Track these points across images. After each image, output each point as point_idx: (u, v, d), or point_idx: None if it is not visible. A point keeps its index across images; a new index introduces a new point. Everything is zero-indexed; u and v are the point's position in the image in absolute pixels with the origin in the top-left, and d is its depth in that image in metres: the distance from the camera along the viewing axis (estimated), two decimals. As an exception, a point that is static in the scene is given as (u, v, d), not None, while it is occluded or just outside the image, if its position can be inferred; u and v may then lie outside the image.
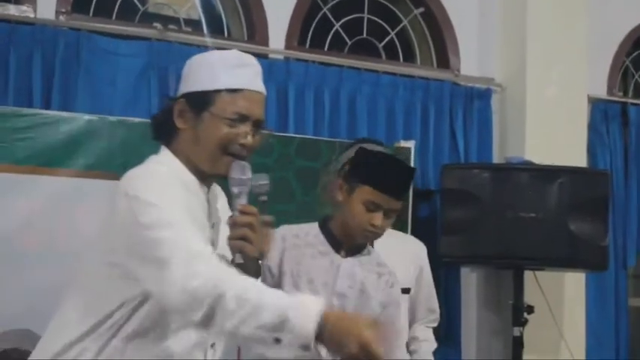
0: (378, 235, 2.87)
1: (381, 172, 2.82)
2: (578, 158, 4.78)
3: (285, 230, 2.92)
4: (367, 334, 1.91)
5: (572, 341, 4.68)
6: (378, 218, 2.79)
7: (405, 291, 3.34)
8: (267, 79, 4.23)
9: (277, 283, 2.87)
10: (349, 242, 2.90)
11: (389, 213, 2.81)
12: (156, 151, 3.51)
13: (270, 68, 4.38)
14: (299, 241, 2.91)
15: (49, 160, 3.46)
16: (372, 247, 3.00)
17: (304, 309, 1.91)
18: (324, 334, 1.90)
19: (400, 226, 3.98)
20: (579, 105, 4.95)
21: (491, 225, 4.30)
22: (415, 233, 4.12)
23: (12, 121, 3.45)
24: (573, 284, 4.81)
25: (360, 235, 2.84)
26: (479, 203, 4.32)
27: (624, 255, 5.15)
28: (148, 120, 3.64)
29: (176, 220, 2.02)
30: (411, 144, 4.35)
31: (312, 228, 2.94)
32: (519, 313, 4.33)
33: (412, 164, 4.19)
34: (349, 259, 2.90)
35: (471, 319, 4.58)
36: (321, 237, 2.91)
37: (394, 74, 4.73)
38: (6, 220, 3.36)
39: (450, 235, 4.28)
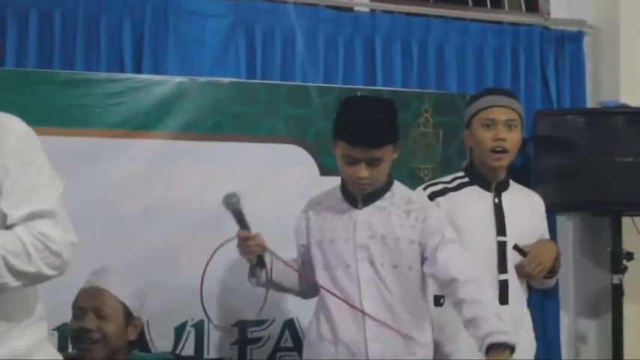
0: (374, 185, 2.88)
1: (347, 125, 2.83)
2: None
3: (310, 202, 3.06)
4: None
5: None
6: (360, 170, 2.81)
7: (517, 249, 3.24)
8: (354, 32, 4.32)
9: (308, 255, 3.01)
10: (358, 194, 2.92)
11: (372, 162, 2.81)
12: (243, 111, 3.61)
13: (355, 21, 4.36)
14: (320, 207, 3.01)
15: (143, 123, 3.53)
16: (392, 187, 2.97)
17: None
18: None
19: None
20: (676, 44, 4.80)
21: (587, 171, 4.23)
22: (509, 182, 4.06)
23: (105, 86, 3.52)
24: None
25: (355, 188, 2.90)
26: (573, 149, 4.27)
27: None
28: (237, 79, 3.76)
29: None
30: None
31: (335, 188, 3.02)
32: (618, 260, 4.25)
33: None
34: (365, 209, 2.93)
35: (568, 267, 4.50)
36: (340, 195, 2.98)
37: (482, 21, 4.63)
38: (102, 183, 3.45)
39: (545, 183, 4.23)
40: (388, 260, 2.90)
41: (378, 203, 2.94)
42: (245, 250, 2.89)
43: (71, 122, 3.45)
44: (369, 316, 2.84)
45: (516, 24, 4.71)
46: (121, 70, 3.83)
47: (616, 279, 4.27)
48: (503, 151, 3.18)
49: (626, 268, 4.27)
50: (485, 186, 3.23)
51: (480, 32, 4.60)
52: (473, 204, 3.20)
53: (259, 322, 3.58)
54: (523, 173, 4.37)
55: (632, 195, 4.19)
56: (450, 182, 3.25)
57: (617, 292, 4.29)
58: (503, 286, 3.16)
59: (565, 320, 4.58)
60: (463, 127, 3.38)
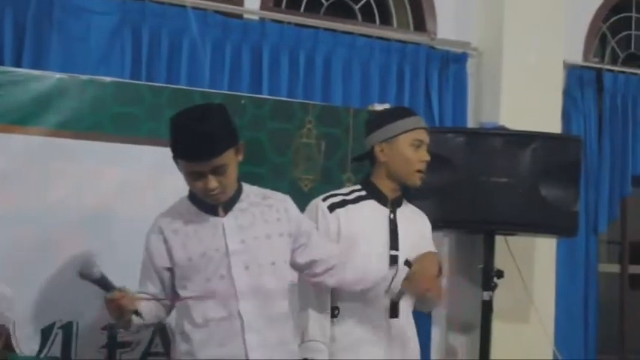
0: (227, 193, 2.82)
1: (181, 142, 2.76)
2: (552, 124, 4.81)
3: (160, 220, 2.89)
4: None
5: (541, 307, 4.74)
6: (208, 182, 2.74)
7: (407, 264, 3.22)
8: (242, 40, 4.31)
9: (172, 276, 2.86)
10: (221, 200, 2.85)
11: (217, 171, 2.74)
12: (125, 111, 3.54)
13: (244, 29, 4.37)
14: (176, 224, 2.86)
15: (19, 118, 3.42)
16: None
17: None
18: None
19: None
20: (555, 71, 4.98)
21: (464, 189, 4.31)
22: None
23: None
24: (544, 249, 4.87)
25: (211, 200, 2.81)
26: (452, 167, 4.33)
27: (595, 221, 5.20)
28: (119, 80, 3.69)
29: None
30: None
31: (183, 203, 2.91)
32: (489, 277, 4.36)
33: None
34: (229, 215, 2.86)
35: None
36: (194, 208, 2.87)
37: (370, 37, 4.72)
38: (-25, 177, 3.34)
39: (423, 199, 4.23)
40: (265, 259, 2.87)
41: (239, 206, 2.89)
42: (118, 311, 2.74)
43: None
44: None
45: (403, 42, 4.81)
46: (0, 63, 3.74)
47: (486, 295, 4.36)
48: (423, 171, 3.24)
49: (496, 285, 4.36)
50: (382, 201, 3.25)
51: (367, 47, 4.68)
52: (370, 217, 3.21)
53: None
54: (403, 188, 4.43)
55: (505, 215, 4.28)
56: (348, 194, 3.25)
57: (487, 308, 4.37)
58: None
59: (436, 335, 4.66)
60: (348, 140, 3.41)
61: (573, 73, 5.20)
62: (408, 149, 3.22)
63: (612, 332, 5.59)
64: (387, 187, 3.26)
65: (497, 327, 4.45)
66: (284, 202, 2.98)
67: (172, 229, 2.86)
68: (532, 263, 4.84)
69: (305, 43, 4.50)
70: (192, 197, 2.88)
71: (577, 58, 5.29)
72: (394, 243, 3.21)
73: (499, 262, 4.45)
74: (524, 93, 4.80)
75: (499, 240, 4.49)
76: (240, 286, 2.82)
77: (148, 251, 2.90)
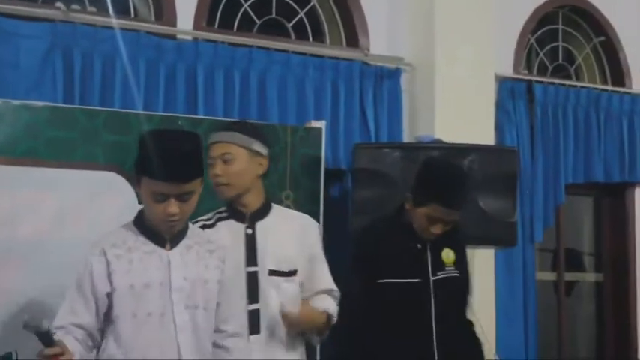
0: (182, 222, 2.76)
1: (155, 159, 2.67)
2: (486, 136, 4.88)
3: (103, 243, 2.76)
4: None
5: (482, 315, 4.73)
6: (169, 206, 2.67)
7: (291, 273, 3.23)
8: (176, 60, 4.29)
9: (109, 302, 2.72)
10: (167, 233, 2.76)
11: (183, 197, 2.68)
12: (59, 136, 3.48)
13: (178, 49, 4.35)
14: (119, 249, 2.74)
15: (-48, 146, 3.36)
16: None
17: None
18: None
19: (312, 206, 4.01)
20: (487, 83, 5.06)
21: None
22: (327, 213, 4.14)
23: None
24: (483, 260, 4.89)
25: (164, 227, 2.74)
26: (390, 182, 4.34)
27: (531, 230, 5.28)
28: (53, 104, 3.64)
29: None
30: (321, 124, 4.34)
31: (128, 228, 2.80)
32: None
33: (323, 144, 4.22)
34: (175, 249, 2.78)
35: None
36: (141, 237, 2.77)
37: (304, 54, 4.73)
38: None
39: (362, 215, 4.29)
40: (201, 302, 2.79)
41: (185, 242, 2.81)
42: None
43: None
44: None
45: (337, 58, 4.83)
46: None
47: None
48: (223, 184, 3.14)
49: None
50: (240, 218, 3.18)
51: (301, 65, 4.69)
52: (225, 238, 3.10)
53: None
54: (341, 204, 4.44)
55: None
56: (209, 219, 3.19)
57: None
58: (254, 316, 3.12)
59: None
60: (287, 158, 3.38)
61: (505, 85, 5.26)
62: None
63: (551, 338, 5.67)
64: (239, 203, 3.18)
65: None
66: (224, 249, 2.91)
67: (115, 253, 2.73)
68: (472, 273, 4.80)
69: (239, 62, 4.49)
70: (139, 224, 2.79)
71: (508, 70, 5.37)
72: (252, 259, 3.14)
73: None
74: (458, 106, 4.85)
75: None
76: (180, 325, 2.74)
77: (86, 274, 2.73)
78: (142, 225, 2.78)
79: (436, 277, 3.43)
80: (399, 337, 3.36)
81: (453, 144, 4.47)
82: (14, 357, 3.33)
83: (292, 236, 3.23)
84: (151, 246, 2.75)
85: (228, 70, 4.46)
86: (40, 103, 3.58)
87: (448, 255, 3.52)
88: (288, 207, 3.76)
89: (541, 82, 5.44)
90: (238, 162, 3.11)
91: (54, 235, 3.43)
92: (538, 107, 5.36)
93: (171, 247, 2.77)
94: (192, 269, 2.78)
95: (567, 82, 5.57)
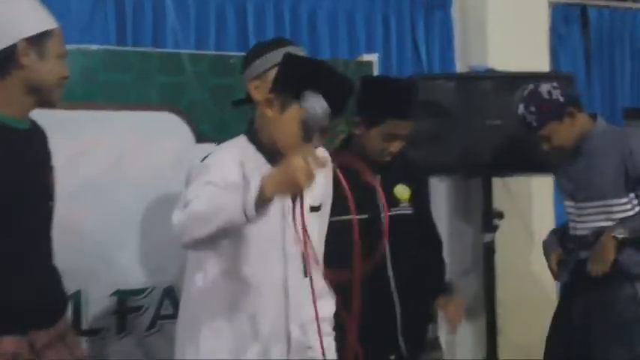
0: None
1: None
2: (540, 63, 4.81)
3: (237, 153, 2.67)
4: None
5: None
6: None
7: (314, 209, 3.03)
8: None
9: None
10: (280, 158, 2.55)
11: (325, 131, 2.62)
12: (114, 79, 3.51)
13: None
14: (251, 163, 2.66)
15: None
16: None
17: None
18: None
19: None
20: (540, 9, 4.97)
21: (458, 134, 4.33)
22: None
23: None
24: (541, 188, 4.88)
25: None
26: (444, 113, 4.34)
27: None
28: (106, 47, 3.67)
29: None
30: (373, 57, 4.32)
31: (247, 147, 2.71)
32: (489, 219, 4.40)
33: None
34: None
35: (442, 228, 4.51)
36: (260, 155, 2.69)
37: None
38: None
39: (418, 146, 4.28)
40: (316, 231, 2.77)
41: None
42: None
43: None
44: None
45: None
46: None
47: (487, 237, 4.42)
48: None
49: (497, 226, 4.42)
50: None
51: None
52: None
53: (138, 291, 3.54)
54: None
55: (500, 157, 4.31)
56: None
57: (489, 249, 4.44)
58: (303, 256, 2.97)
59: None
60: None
61: (558, 10, 5.18)
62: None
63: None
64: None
65: (499, 267, 4.52)
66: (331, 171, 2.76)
67: (250, 166, 2.62)
68: (530, 203, 4.88)
69: None
70: (257, 144, 2.69)
71: (560, -5, 5.30)
72: None
73: (498, 204, 4.49)
74: (511, 34, 4.78)
75: (497, 182, 4.54)
76: (290, 254, 2.69)
77: (220, 169, 2.58)
78: (261, 145, 2.68)
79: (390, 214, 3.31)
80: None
81: (507, 72, 4.44)
82: (82, 296, 3.43)
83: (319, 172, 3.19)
84: (263, 161, 2.65)
85: (277, 6, 4.45)
86: (94, 47, 3.60)
87: (402, 192, 3.47)
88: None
89: (595, 5, 5.34)
90: None
91: (113, 177, 3.47)
92: (593, 32, 5.29)
93: None
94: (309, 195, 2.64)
95: (622, 5, 5.47)
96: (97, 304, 3.44)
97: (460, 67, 4.89)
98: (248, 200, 2.32)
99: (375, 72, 4.23)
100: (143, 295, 3.56)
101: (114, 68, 3.57)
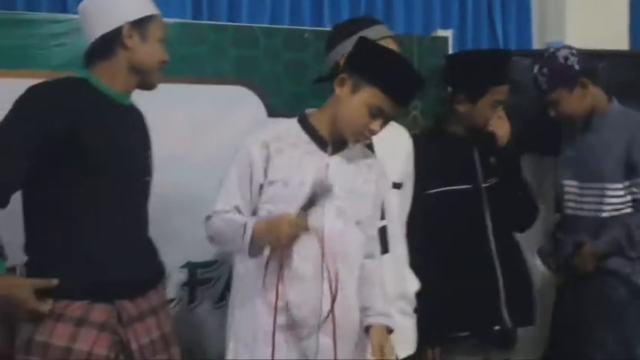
0: (368, 140, 2.83)
1: (395, 78, 2.69)
2: (619, 41, 4.75)
3: (266, 135, 2.80)
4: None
5: None
6: (378, 124, 2.70)
7: (396, 186, 3.21)
8: None
9: (260, 195, 2.79)
10: (336, 140, 2.78)
11: (389, 119, 2.74)
12: (190, 52, 3.57)
13: None
14: (282, 144, 2.78)
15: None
16: None
17: None
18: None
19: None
20: (619, -15, 4.91)
21: (534, 111, 4.23)
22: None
23: (48, 27, 3.47)
24: None
25: (353, 136, 2.75)
26: (520, 89, 4.27)
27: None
28: (183, 20, 3.74)
29: None
30: (448, 33, 4.30)
31: (293, 126, 2.83)
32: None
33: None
34: (336, 156, 2.79)
35: None
36: (305, 135, 2.80)
37: None
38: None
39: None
40: (353, 215, 2.80)
41: (347, 153, 2.82)
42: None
43: (13, 64, 3.39)
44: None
45: None
46: (64, 10, 3.82)
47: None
48: None
49: None
50: None
51: None
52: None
53: (208, 264, 3.62)
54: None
55: None
56: None
57: None
58: (383, 233, 3.07)
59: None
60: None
61: (639, -13, 5.14)
62: None
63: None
64: None
65: None
66: (381, 165, 2.92)
67: (277, 147, 2.77)
68: None
69: None
70: (305, 124, 2.82)
71: (642, -30, 5.22)
72: None
73: None
74: (589, 10, 4.78)
75: None
76: (327, 231, 2.74)
77: (248, 162, 2.80)
78: (308, 125, 2.81)
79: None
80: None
81: (583, 50, 4.37)
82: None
83: (401, 150, 3.25)
84: (313, 146, 2.79)
85: None
86: (171, 20, 3.65)
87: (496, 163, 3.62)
88: (415, 117, 3.79)
89: (679, -18, 5.26)
90: None
91: (187, 149, 3.54)
92: (676, 9, 5.21)
93: (333, 154, 2.79)
94: (349, 180, 2.79)
95: None
96: (169, 275, 3.50)
97: (537, 44, 4.87)
98: (243, 246, 2.72)
99: (450, 48, 4.24)
100: (213, 267, 3.65)
101: (189, 41, 3.63)
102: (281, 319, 2.72)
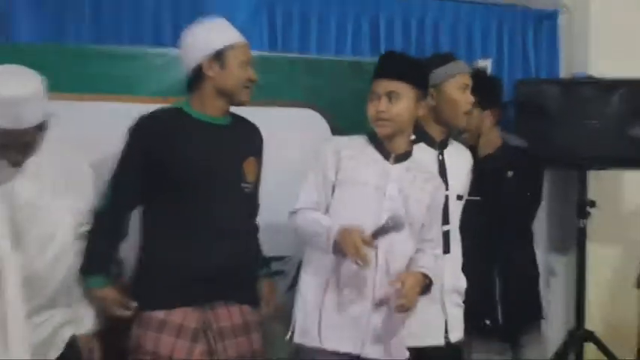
0: (392, 126, 2.99)
1: (379, 62, 3.05)
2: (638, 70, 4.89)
3: (339, 143, 3.10)
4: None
5: (631, 231, 5.03)
6: (379, 105, 2.97)
7: (459, 198, 3.42)
8: (361, 12, 4.76)
9: (331, 189, 3.06)
10: (395, 151, 3.04)
11: (390, 95, 2.97)
12: (268, 79, 3.76)
13: (362, 3, 4.76)
14: (352, 152, 3.05)
15: (178, 91, 3.54)
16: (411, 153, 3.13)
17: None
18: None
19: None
20: (638, 27, 5.07)
21: (559, 132, 4.64)
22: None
23: (148, 59, 3.85)
24: (632, 182, 5.13)
25: (378, 128, 3.02)
26: (548, 113, 4.68)
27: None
28: (262, 53, 4.00)
29: None
30: (487, 62, 4.70)
31: (361, 139, 3.11)
32: (583, 207, 4.69)
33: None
34: (397, 165, 3.05)
35: (542, 213, 4.72)
36: (371, 147, 3.07)
37: (472, 3, 5.02)
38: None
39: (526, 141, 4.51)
40: (407, 217, 2.97)
41: (407, 164, 3.05)
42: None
43: (119, 90, 3.76)
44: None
45: (501, 5, 5.10)
46: (161, 44, 4.21)
47: (581, 223, 4.71)
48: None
49: (589, 214, 4.71)
50: (431, 143, 3.37)
51: (470, 12, 5.01)
52: (422, 160, 3.25)
53: (279, 258, 3.84)
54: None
55: (596, 153, 4.65)
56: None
57: (582, 233, 4.73)
58: (446, 236, 3.32)
59: (538, 256, 4.77)
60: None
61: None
62: (455, 93, 3.34)
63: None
64: (435, 130, 3.37)
65: (591, 250, 4.77)
66: (437, 180, 3.15)
67: (348, 154, 3.04)
68: (622, 195, 5.11)
69: (415, 12, 4.87)
70: (371, 138, 3.09)
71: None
72: (444, 184, 3.29)
73: (593, 195, 4.74)
74: (612, 45, 4.95)
75: (592, 175, 4.78)
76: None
77: (322, 162, 3.06)
78: (374, 138, 3.09)
79: None
80: None
81: (604, 79, 4.69)
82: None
83: (464, 167, 3.49)
84: (377, 156, 3.07)
85: (405, 18, 4.82)
86: (254, 53, 3.81)
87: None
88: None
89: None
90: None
91: (267, 163, 3.57)
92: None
93: (394, 163, 3.07)
94: (407, 187, 3.03)
95: None
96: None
97: (564, 73, 5.14)
98: (328, 245, 2.92)
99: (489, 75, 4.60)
100: (283, 262, 3.92)
101: (267, 70, 3.75)
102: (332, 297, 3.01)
